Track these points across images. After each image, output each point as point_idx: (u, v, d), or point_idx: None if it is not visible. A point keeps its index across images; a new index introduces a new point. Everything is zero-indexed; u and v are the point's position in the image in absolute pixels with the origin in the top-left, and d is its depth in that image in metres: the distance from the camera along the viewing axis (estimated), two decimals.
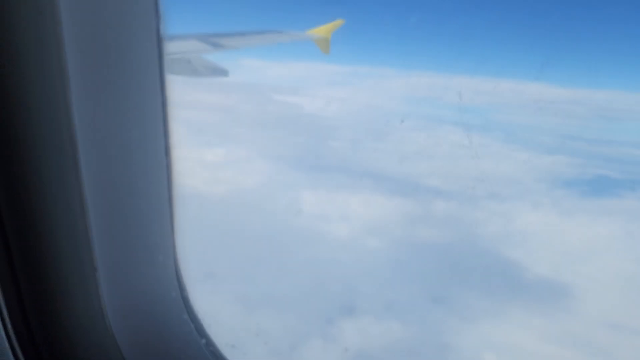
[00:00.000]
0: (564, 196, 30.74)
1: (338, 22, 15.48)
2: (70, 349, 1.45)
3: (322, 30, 15.04)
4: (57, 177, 1.31)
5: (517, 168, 39.97)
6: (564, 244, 21.54)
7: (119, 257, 1.51)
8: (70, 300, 1.44)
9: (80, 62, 1.25)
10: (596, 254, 18.94)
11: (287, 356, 13.18)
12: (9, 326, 1.42)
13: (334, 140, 38.34)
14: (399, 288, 16.62)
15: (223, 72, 11.41)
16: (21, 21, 1.13)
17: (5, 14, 1.11)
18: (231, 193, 23.57)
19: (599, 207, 27.76)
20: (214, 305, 14.01)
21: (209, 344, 1.64)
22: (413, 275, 17.55)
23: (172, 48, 10.01)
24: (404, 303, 15.89)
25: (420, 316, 15.21)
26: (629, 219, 25.08)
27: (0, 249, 1.36)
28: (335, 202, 23.65)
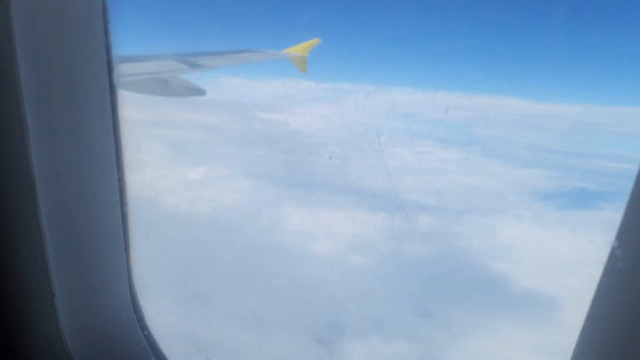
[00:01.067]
0: (543, 209, 31.22)
1: (314, 41, 15.67)
2: None
3: (298, 49, 15.19)
4: (16, 210, 1.36)
5: (497, 181, 40.56)
6: (546, 256, 21.71)
7: (76, 283, 1.58)
8: (31, 324, 1.52)
9: (37, 106, 1.30)
10: (578, 265, 19.11)
11: None
12: None
13: (317, 157, 38.50)
14: (386, 304, 16.52)
15: (200, 92, 11.31)
16: None
17: None
18: (216, 211, 23.45)
19: (578, 219, 28.21)
20: (198, 325, 13.80)
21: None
22: (400, 290, 17.48)
23: (148, 68, 9.73)
24: (391, 319, 15.79)
25: (409, 332, 15.12)
26: (607, 230, 25.42)
27: None
28: (320, 219, 23.64)
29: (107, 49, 1.38)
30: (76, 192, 1.50)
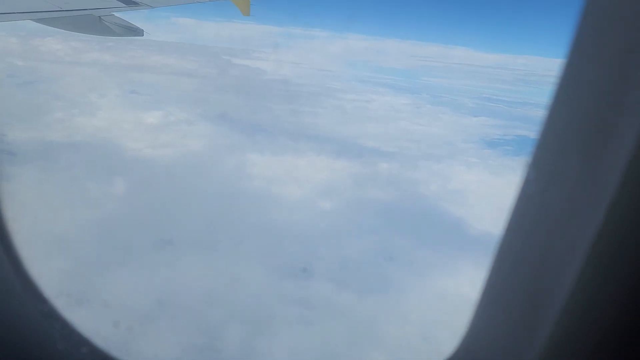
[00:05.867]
0: (491, 156, 32.18)
1: None
2: None
3: None
4: None
5: (445, 129, 41.29)
6: (498, 200, 22.45)
7: None
8: None
9: None
10: None
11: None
12: None
13: (282, 104, 38.09)
14: (353, 247, 16.75)
15: (138, 32, 10.34)
16: None
17: None
18: (186, 156, 23.09)
19: (524, 166, 29.20)
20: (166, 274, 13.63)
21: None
22: (365, 234, 17.73)
23: (78, 3, 8.85)
24: (359, 263, 16.02)
25: (377, 274, 15.45)
26: None
27: None
28: (284, 165, 23.63)
29: None
30: None
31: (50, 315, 1.65)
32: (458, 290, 14.34)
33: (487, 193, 23.68)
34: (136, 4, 10.36)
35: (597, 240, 0.94)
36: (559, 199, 1.03)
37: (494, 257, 1.23)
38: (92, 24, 9.36)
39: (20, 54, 38.41)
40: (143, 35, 10.62)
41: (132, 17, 10.49)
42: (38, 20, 8.58)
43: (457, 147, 34.14)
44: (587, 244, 0.95)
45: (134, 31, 10.41)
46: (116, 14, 10.04)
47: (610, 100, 0.95)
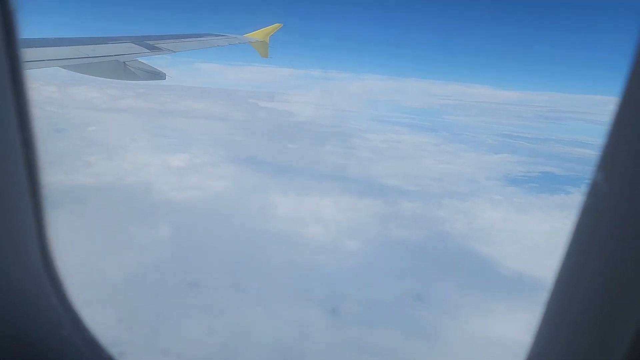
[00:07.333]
0: (516, 193, 31.75)
1: (276, 26, 15.10)
2: None
3: (259, 34, 14.63)
4: None
5: (468, 167, 40.91)
6: (526, 239, 22.40)
7: None
8: None
9: None
10: (559, 247, 19.27)
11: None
12: None
13: (305, 145, 38.98)
14: (381, 287, 16.52)
15: (160, 76, 10.73)
16: None
17: None
18: (214, 198, 23.43)
19: (550, 203, 28.70)
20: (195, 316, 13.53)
21: (80, 328, 1.67)
22: (392, 274, 17.55)
23: (105, 50, 9.25)
24: (387, 303, 15.79)
25: (405, 314, 15.21)
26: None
27: None
28: (309, 205, 23.79)
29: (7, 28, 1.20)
30: None
31: (96, 346, 1.68)
32: (492, 330, 14.09)
33: (514, 231, 23.43)
34: (158, 49, 10.80)
35: None
36: (633, 210, 0.93)
37: (557, 275, 1.16)
38: (117, 69, 9.73)
39: (55, 101, 40.29)
40: (165, 79, 10.98)
41: (155, 63, 10.78)
42: (66, 67, 8.87)
43: (480, 185, 33.82)
44: None
45: (156, 75, 10.78)
46: (140, 59, 10.37)
47: None
